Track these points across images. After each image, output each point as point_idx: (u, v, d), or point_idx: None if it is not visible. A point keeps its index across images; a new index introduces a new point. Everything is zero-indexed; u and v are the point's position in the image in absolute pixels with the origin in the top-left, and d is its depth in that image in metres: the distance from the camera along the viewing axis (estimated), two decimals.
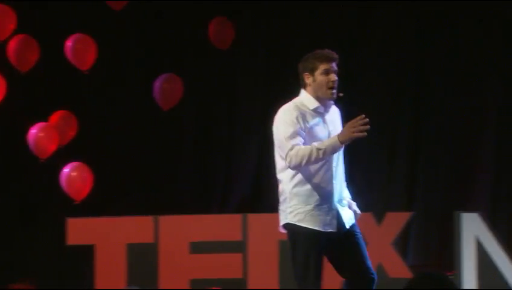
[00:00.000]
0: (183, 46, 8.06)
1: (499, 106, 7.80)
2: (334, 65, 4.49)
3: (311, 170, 4.45)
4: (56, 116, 7.61)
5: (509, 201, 7.89)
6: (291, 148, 4.40)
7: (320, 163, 4.44)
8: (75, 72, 7.50)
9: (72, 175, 7.34)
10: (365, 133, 4.35)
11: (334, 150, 4.41)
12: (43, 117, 7.56)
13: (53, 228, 7.67)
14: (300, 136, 4.43)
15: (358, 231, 4.57)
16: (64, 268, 7.77)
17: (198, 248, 7.00)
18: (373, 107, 7.86)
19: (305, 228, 4.45)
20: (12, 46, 7.35)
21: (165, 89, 7.71)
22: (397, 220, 7.05)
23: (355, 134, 4.35)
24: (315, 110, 4.49)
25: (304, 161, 4.36)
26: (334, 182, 4.48)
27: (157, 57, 8.03)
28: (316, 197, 4.46)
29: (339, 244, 4.50)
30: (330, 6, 7.90)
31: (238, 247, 7.01)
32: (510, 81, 7.81)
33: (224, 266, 7.01)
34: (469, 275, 6.46)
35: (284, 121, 4.47)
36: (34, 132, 7.39)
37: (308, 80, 4.51)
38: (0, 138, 7.82)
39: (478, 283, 6.45)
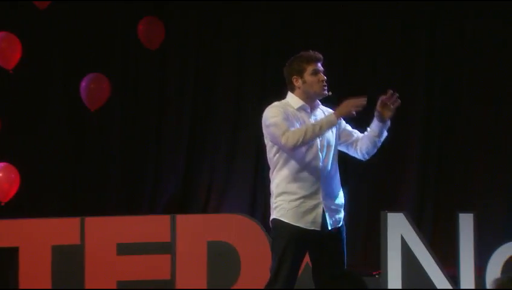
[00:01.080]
0: (111, 46, 7.99)
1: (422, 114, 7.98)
2: (320, 65, 4.58)
3: (299, 167, 4.50)
4: None
5: (433, 201, 8.07)
6: (287, 129, 4.47)
7: (307, 161, 4.50)
8: (0, 71, 7.35)
9: None
10: (360, 108, 4.41)
11: (330, 124, 4.47)
12: None
13: None
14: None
15: (343, 236, 4.64)
16: None
17: (125, 249, 6.93)
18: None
19: (285, 223, 4.54)
20: None
21: (92, 89, 7.61)
22: None
23: (353, 108, 4.41)
24: (300, 109, 4.57)
25: (301, 139, 4.44)
26: (320, 182, 4.53)
27: (84, 56, 7.93)
28: (301, 194, 4.52)
29: (320, 245, 4.57)
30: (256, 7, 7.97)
31: (167, 248, 6.97)
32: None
33: (152, 268, 6.95)
34: (395, 274, 6.56)
35: (271, 113, 4.56)
36: None
37: (297, 82, 4.60)
38: None
39: (403, 283, 6.56)
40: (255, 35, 8.09)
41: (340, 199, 4.64)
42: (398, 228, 6.57)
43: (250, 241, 7.12)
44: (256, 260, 7.07)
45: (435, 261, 6.47)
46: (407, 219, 6.59)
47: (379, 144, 4.62)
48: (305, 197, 4.53)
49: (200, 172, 8.05)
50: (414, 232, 6.57)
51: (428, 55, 8.07)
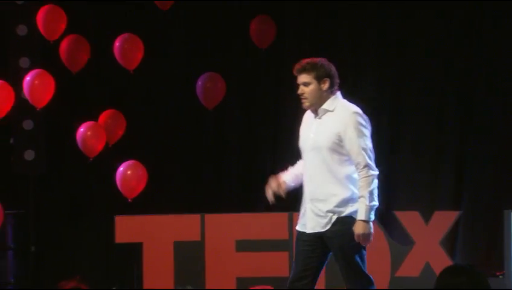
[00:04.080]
0: (226, 45, 8.10)
1: None
2: (299, 78, 4.75)
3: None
4: (105, 116, 7.70)
5: None
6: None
7: (305, 165, 4.78)
8: (123, 71, 7.58)
9: (127, 173, 7.41)
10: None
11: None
12: (93, 116, 7.66)
13: (101, 226, 7.77)
14: None
15: (329, 243, 4.66)
16: (112, 266, 7.87)
17: (244, 246, 7.04)
18: (419, 106, 7.85)
19: None
20: (63, 46, 7.45)
21: (208, 88, 7.76)
22: (445, 219, 7.00)
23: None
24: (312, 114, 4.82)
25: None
26: (307, 185, 4.72)
27: (201, 55, 8.08)
28: (302, 198, 4.82)
29: (302, 245, 4.73)
30: (375, 6, 7.89)
31: (284, 245, 7.03)
32: None
33: (270, 265, 7.03)
34: None
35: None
36: (82, 130, 7.49)
37: None
38: (50, 137, 7.93)
39: None
40: (371, 32, 8.02)
41: (324, 203, 4.66)
42: None
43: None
44: (375, 259, 7.03)
45: None
46: None
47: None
48: (303, 200, 4.80)
49: None
50: None
51: None
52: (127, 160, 7.49)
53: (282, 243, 7.04)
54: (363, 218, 4.56)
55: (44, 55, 7.70)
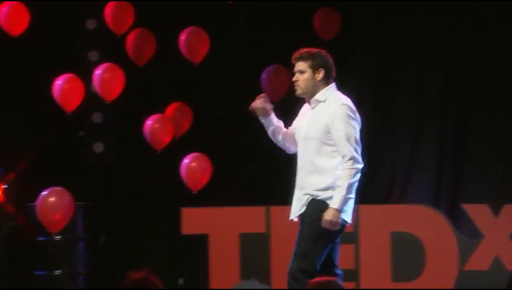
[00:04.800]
0: (291, 37, 8.09)
1: None
2: (296, 66, 4.85)
3: None
4: (171, 108, 7.78)
5: None
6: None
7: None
8: (189, 64, 7.64)
9: (191, 165, 7.48)
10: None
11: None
12: (160, 109, 7.74)
13: (168, 218, 7.86)
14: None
15: (302, 226, 4.75)
16: (179, 257, 7.95)
17: None
18: (486, 103, 7.73)
19: None
20: (130, 40, 7.55)
21: (272, 80, 7.76)
22: None
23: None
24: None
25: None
26: (297, 173, 4.84)
27: (265, 48, 8.09)
28: None
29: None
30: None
31: (350, 238, 7.00)
32: None
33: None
34: None
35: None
36: (150, 123, 7.58)
37: None
38: (119, 130, 8.05)
39: None
40: (437, 25, 7.91)
41: (305, 189, 4.74)
42: None
43: (436, 233, 7.03)
44: (442, 253, 6.98)
45: None
46: None
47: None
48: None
49: (382, 161, 8.00)
50: None
51: None
52: (193, 152, 7.55)
53: (348, 236, 7.01)
54: (335, 206, 4.64)
55: (113, 48, 7.82)
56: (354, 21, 8.04)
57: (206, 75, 7.95)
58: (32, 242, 7.33)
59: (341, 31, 7.88)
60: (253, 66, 8.02)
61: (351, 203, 4.71)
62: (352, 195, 4.69)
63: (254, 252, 7.10)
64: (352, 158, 4.66)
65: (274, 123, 4.99)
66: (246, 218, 7.21)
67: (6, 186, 7.46)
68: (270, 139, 8.26)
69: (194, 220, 7.25)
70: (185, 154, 7.56)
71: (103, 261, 7.92)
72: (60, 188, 6.98)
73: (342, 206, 4.63)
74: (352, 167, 4.65)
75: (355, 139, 4.70)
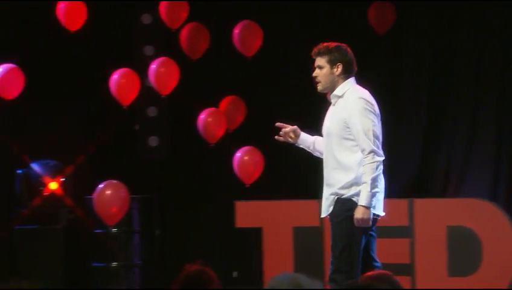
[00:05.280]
0: (343, 31, 8.03)
1: None
2: (316, 61, 4.93)
3: None
4: (225, 102, 7.81)
5: None
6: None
7: None
8: (242, 58, 7.66)
9: (244, 159, 7.51)
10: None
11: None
12: (214, 103, 7.78)
13: (222, 211, 7.90)
14: None
15: (332, 226, 4.82)
16: (233, 250, 7.99)
17: None
18: None
19: None
20: (184, 34, 7.60)
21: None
22: None
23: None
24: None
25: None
26: (324, 170, 4.88)
27: (318, 41, 8.03)
28: None
29: None
30: None
31: (405, 232, 6.94)
32: None
33: (390, 251, 6.95)
34: None
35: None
36: (203, 117, 7.62)
37: None
38: (173, 124, 8.12)
39: None
40: (494, 21, 7.77)
41: (331, 187, 4.73)
42: None
43: (493, 228, 6.92)
44: (499, 248, 6.86)
45: None
46: None
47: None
48: None
49: (438, 155, 7.90)
50: None
51: None
52: (246, 146, 7.57)
53: (403, 230, 6.96)
54: (363, 203, 4.63)
55: (168, 43, 7.88)
56: (408, 14, 7.94)
57: (259, 69, 7.96)
58: (90, 234, 7.45)
59: (395, 24, 7.80)
60: (306, 59, 7.98)
61: (379, 197, 4.73)
62: (378, 188, 4.69)
63: (308, 246, 7.09)
64: (372, 151, 4.66)
65: (309, 141, 5.02)
66: (300, 211, 7.20)
67: (64, 179, 7.59)
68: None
69: (248, 213, 7.27)
70: (238, 147, 7.59)
71: (158, 254, 8.00)
72: (115, 181, 7.07)
73: (370, 202, 4.64)
74: (373, 161, 4.64)
75: (374, 132, 4.68)
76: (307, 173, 8.12)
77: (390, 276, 3.44)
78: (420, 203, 7.05)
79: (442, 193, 7.78)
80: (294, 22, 8.13)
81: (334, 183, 4.77)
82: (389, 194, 7.79)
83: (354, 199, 4.68)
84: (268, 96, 8.12)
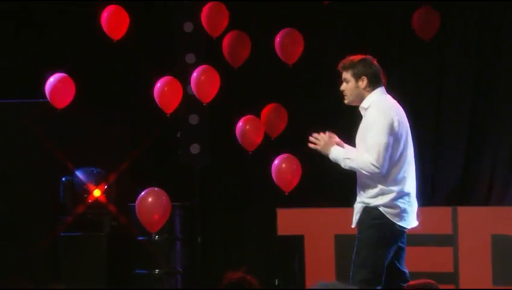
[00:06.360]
0: (386, 38, 8.00)
1: None
2: (343, 75, 5.00)
3: None
4: (267, 109, 7.82)
5: None
6: None
7: None
8: (283, 65, 7.66)
9: (282, 167, 7.50)
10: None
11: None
12: (255, 110, 7.79)
13: (263, 218, 7.91)
14: None
15: (358, 235, 4.89)
16: (275, 258, 7.98)
17: (408, 240, 6.94)
18: None
19: None
20: (225, 42, 7.64)
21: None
22: None
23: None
24: None
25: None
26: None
27: (360, 49, 8.01)
28: None
29: None
30: None
31: (448, 240, 6.88)
32: None
33: (433, 260, 6.90)
34: None
35: None
36: (241, 124, 7.64)
37: None
38: (214, 131, 8.15)
39: None
40: None
41: (360, 196, 4.87)
42: None
43: None
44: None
45: None
46: None
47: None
48: None
49: (481, 163, 7.82)
50: None
51: None
52: (286, 153, 7.57)
53: (446, 239, 6.90)
54: (333, 154, 4.92)
55: (209, 51, 7.92)
56: (453, 20, 7.88)
57: (300, 77, 7.96)
58: (133, 241, 7.51)
59: (440, 30, 7.74)
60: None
61: (408, 209, 4.82)
62: (347, 167, 4.84)
63: (349, 254, 7.04)
64: (373, 165, 4.73)
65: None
66: (341, 219, 7.12)
67: (107, 186, 7.66)
68: None
69: (289, 220, 7.27)
70: (277, 155, 7.59)
71: (200, 261, 8.03)
72: (157, 189, 7.13)
73: (334, 158, 4.91)
74: (369, 166, 4.71)
75: (380, 143, 4.72)
76: (349, 181, 8.08)
77: (434, 284, 3.42)
78: (464, 212, 6.99)
79: (486, 201, 7.69)
80: (336, 30, 8.12)
81: (362, 192, 4.84)
82: (433, 202, 7.83)
83: (380, 208, 4.75)
84: (308, 104, 8.11)
